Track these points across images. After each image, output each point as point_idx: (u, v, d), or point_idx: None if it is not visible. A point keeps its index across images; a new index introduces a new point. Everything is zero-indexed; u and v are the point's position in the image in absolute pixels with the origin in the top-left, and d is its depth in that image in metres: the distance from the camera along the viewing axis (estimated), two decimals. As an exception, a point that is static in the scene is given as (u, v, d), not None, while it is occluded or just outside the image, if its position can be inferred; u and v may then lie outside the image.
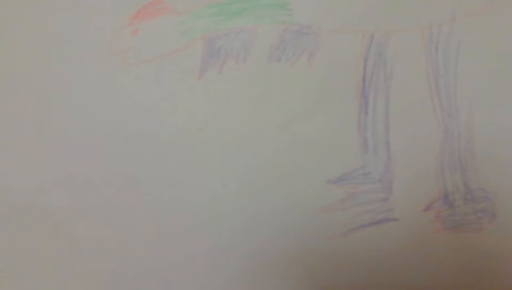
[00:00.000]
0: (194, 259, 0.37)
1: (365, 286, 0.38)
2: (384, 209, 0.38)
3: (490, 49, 0.37)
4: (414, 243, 0.38)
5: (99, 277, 0.36)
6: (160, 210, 0.36)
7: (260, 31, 0.35)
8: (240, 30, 0.35)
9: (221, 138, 0.36)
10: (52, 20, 0.34)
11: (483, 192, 0.38)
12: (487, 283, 0.39)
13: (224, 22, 0.35)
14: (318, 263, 0.37)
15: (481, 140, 0.38)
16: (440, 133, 0.37)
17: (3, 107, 0.34)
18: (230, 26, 0.35)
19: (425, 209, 0.38)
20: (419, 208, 0.38)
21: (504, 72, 0.38)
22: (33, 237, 0.35)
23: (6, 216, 0.35)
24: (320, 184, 0.37)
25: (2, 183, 0.34)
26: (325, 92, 0.36)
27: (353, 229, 0.38)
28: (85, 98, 0.35)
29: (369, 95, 0.37)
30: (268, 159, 0.36)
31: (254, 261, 0.37)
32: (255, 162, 0.36)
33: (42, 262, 0.35)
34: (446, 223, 0.38)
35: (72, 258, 0.36)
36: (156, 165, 0.36)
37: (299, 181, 0.37)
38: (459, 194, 0.38)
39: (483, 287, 0.39)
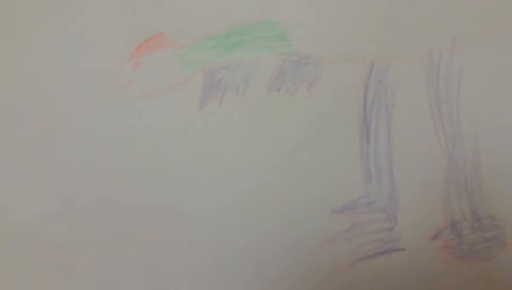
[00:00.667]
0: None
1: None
2: (390, 239, 0.37)
3: (492, 73, 0.37)
4: (422, 273, 0.37)
5: None
6: (162, 243, 0.36)
7: (259, 62, 0.35)
8: (240, 62, 0.35)
9: (222, 170, 0.35)
10: (52, 54, 0.34)
11: (492, 220, 0.37)
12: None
13: (223, 54, 0.35)
14: None
15: (487, 166, 0.37)
16: (445, 160, 0.37)
17: (4, 140, 0.34)
18: (229, 58, 0.35)
19: (432, 238, 0.37)
20: (426, 237, 0.37)
21: (508, 96, 0.37)
22: (32, 271, 0.35)
23: (5, 249, 0.34)
24: (325, 214, 0.36)
25: (1, 216, 0.34)
26: (326, 121, 0.36)
27: (359, 259, 0.37)
28: (86, 132, 0.34)
29: (371, 123, 0.36)
30: (271, 190, 0.36)
31: None
32: (258, 193, 0.36)
33: None
34: (454, 253, 0.38)
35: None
36: (157, 197, 0.35)
37: (303, 211, 0.36)
38: (466, 223, 0.37)
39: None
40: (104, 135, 0.35)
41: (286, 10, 0.35)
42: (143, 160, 0.35)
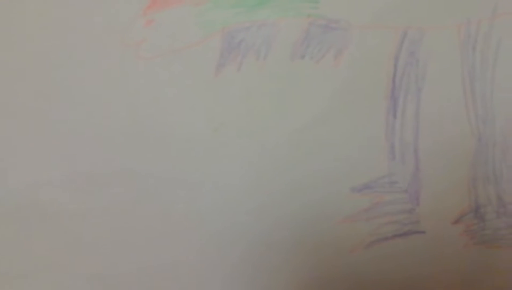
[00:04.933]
0: (205, 261, 0.35)
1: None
2: (410, 221, 0.35)
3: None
4: (442, 258, 0.36)
5: (98, 277, 0.34)
6: (171, 212, 0.34)
7: (283, 25, 0.32)
8: (263, 24, 0.31)
9: (237, 140, 0.33)
10: (61, 8, 0.31)
11: None
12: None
13: (245, 14, 0.31)
14: (339, 276, 0.35)
15: None
16: (474, 141, 0.34)
17: (7, 100, 0.31)
18: (251, 19, 0.31)
19: (454, 222, 0.35)
20: (447, 221, 0.35)
21: None
22: (32, 236, 0.33)
23: (6, 213, 0.32)
24: (344, 191, 0.34)
25: (3, 182, 0.32)
26: (352, 92, 0.33)
27: (376, 240, 0.35)
28: (93, 92, 0.32)
29: (399, 97, 0.33)
30: (288, 164, 0.33)
31: (270, 271, 0.35)
32: (274, 167, 0.33)
33: (41, 261, 0.33)
34: (476, 238, 0.36)
35: (72, 258, 0.34)
36: (165, 165, 0.33)
37: (321, 187, 0.34)
38: (491, 207, 0.35)
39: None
40: (112, 97, 0.32)
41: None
42: (154, 125, 0.32)
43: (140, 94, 0.32)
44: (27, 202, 0.32)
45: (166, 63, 0.32)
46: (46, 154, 0.32)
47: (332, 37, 0.32)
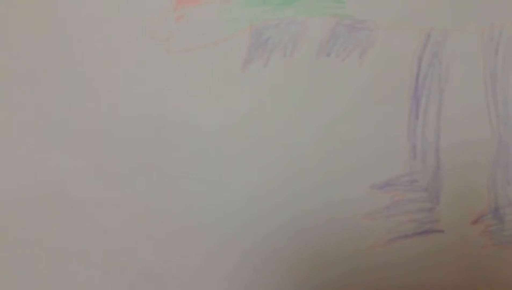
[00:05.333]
0: (227, 257, 0.35)
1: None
2: (430, 220, 0.35)
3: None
4: (460, 258, 0.35)
5: (120, 268, 0.35)
6: (190, 205, 0.34)
7: (310, 24, 0.32)
8: (290, 22, 0.32)
9: (262, 134, 0.33)
10: (97, 2, 0.31)
11: None
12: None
13: (273, 12, 0.32)
14: (359, 272, 0.35)
15: None
16: (495, 143, 0.34)
17: (35, 94, 0.32)
18: (279, 17, 0.32)
19: (473, 222, 0.35)
20: (467, 221, 0.35)
21: None
22: (56, 223, 0.33)
23: (33, 201, 0.33)
24: (365, 189, 0.34)
25: (31, 170, 0.33)
26: (375, 91, 0.33)
27: (396, 238, 0.35)
28: (122, 84, 0.32)
29: (421, 98, 0.34)
30: (311, 160, 0.34)
31: (293, 265, 0.35)
32: (297, 162, 0.33)
33: (65, 251, 0.34)
34: (495, 239, 0.36)
35: (96, 249, 0.34)
36: (192, 158, 0.33)
37: (342, 184, 0.34)
38: (510, 209, 0.35)
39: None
40: (140, 90, 0.32)
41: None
42: (179, 118, 0.33)
43: (168, 87, 0.32)
44: (55, 190, 0.33)
45: (195, 57, 0.32)
46: (75, 145, 0.33)
47: (357, 37, 0.33)
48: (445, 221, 0.35)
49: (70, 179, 0.33)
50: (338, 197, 0.34)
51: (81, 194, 0.33)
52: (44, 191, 0.33)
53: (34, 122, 0.32)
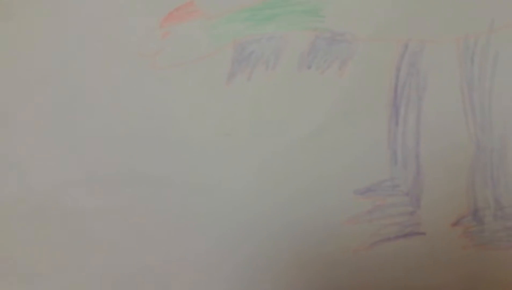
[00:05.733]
0: (215, 264, 0.36)
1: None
2: (411, 223, 0.36)
3: (529, 62, 0.35)
4: (441, 258, 0.36)
5: (114, 276, 0.35)
6: (181, 213, 0.35)
7: (291, 38, 0.33)
8: (271, 36, 0.33)
9: (248, 145, 0.34)
10: (83, 17, 0.33)
11: None
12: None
13: (255, 28, 0.33)
14: (343, 274, 0.36)
15: None
16: (473, 148, 0.35)
17: (27, 106, 0.33)
18: (261, 32, 0.33)
19: (454, 224, 0.36)
20: (447, 223, 0.36)
21: None
22: (51, 235, 0.34)
23: (27, 214, 0.34)
24: (348, 194, 0.35)
25: (24, 182, 0.34)
26: (356, 101, 0.34)
27: (379, 241, 0.35)
28: (110, 98, 0.33)
29: (400, 106, 0.35)
30: (295, 167, 0.35)
31: (278, 269, 0.36)
32: (282, 170, 0.34)
33: (58, 260, 0.35)
34: (474, 240, 0.36)
35: (89, 257, 0.35)
36: (179, 168, 0.34)
37: (326, 190, 0.35)
38: (489, 211, 0.36)
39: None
40: (128, 103, 0.33)
41: (323, -16, 0.33)
42: (167, 130, 0.34)
43: (156, 102, 0.34)
44: (48, 201, 0.34)
45: (181, 72, 0.33)
46: (67, 157, 0.34)
47: (337, 49, 0.34)
48: (426, 224, 0.36)
49: (64, 190, 0.34)
50: (323, 202, 0.35)
51: (73, 204, 0.34)
52: (37, 203, 0.34)
53: (27, 135, 0.33)
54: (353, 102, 0.34)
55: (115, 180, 0.34)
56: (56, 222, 0.34)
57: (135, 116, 0.34)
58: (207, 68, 0.33)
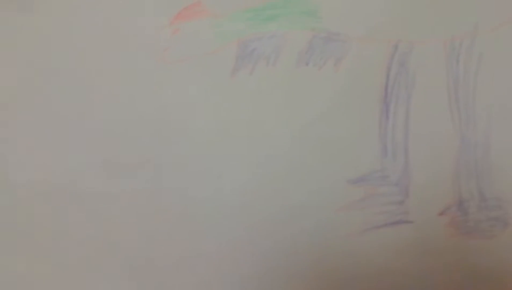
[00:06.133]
0: (210, 253, 0.38)
1: (379, 284, 0.38)
2: (400, 212, 0.38)
3: (510, 62, 0.37)
4: (428, 246, 0.38)
5: (129, 261, 0.37)
6: (187, 201, 0.37)
7: (290, 37, 0.36)
8: (273, 35, 0.36)
9: (249, 134, 0.36)
10: (99, 16, 0.35)
11: (497, 201, 0.38)
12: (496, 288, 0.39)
13: (258, 26, 0.35)
14: (335, 259, 0.37)
15: (498, 150, 0.37)
16: (458, 141, 0.37)
17: (47, 98, 0.35)
18: (263, 30, 0.36)
19: (440, 213, 0.38)
20: (434, 212, 0.38)
21: None
22: (68, 217, 0.36)
23: (45, 198, 0.36)
24: (341, 183, 0.37)
25: (44, 165, 0.36)
26: (349, 96, 0.36)
27: (369, 228, 0.37)
28: (124, 90, 0.35)
29: (391, 102, 0.37)
30: (292, 157, 0.37)
31: (274, 254, 0.37)
32: (280, 159, 0.37)
33: (75, 243, 0.36)
34: (460, 229, 0.38)
35: (105, 241, 0.36)
36: (185, 156, 0.36)
37: (321, 179, 0.37)
38: (473, 202, 0.38)
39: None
40: (140, 96, 0.36)
41: (320, -13, 0.36)
42: (176, 120, 0.36)
43: (165, 94, 0.36)
44: (65, 186, 0.36)
45: (189, 67, 0.35)
46: (83, 145, 0.36)
47: (332, 48, 0.36)
48: (414, 213, 0.38)
49: (80, 176, 0.36)
50: (318, 190, 0.37)
51: (88, 188, 0.36)
52: (55, 186, 0.36)
53: (48, 125, 0.36)
54: (347, 98, 0.37)
55: (127, 167, 0.36)
56: (71, 202, 0.36)
57: (146, 107, 0.36)
58: (213, 63, 0.36)
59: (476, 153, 0.38)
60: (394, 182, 0.38)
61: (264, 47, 0.36)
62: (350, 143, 0.37)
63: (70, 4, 0.35)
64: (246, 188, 0.37)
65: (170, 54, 0.36)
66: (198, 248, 0.37)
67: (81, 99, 0.36)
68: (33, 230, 0.36)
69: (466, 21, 0.37)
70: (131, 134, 0.36)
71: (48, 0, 0.35)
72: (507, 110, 0.38)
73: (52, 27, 0.35)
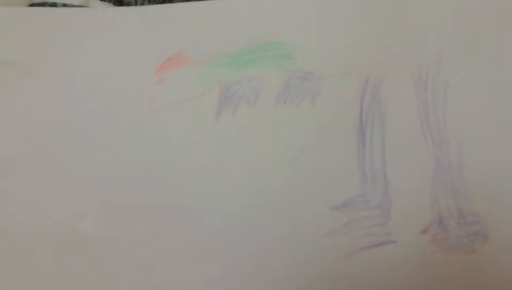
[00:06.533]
0: (203, 286, 0.38)
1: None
2: (383, 233, 0.39)
3: (475, 85, 0.39)
4: (412, 264, 0.39)
5: None
6: (183, 243, 0.38)
7: (268, 78, 0.38)
8: (251, 78, 0.38)
9: (236, 171, 0.38)
10: (90, 69, 0.37)
11: (475, 216, 0.39)
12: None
13: (236, 71, 0.38)
14: (324, 284, 0.39)
15: (471, 168, 0.39)
16: (433, 163, 0.39)
17: (46, 148, 0.37)
18: (242, 75, 0.38)
19: (422, 232, 0.39)
20: (416, 231, 0.39)
21: (489, 106, 0.39)
22: (69, 264, 0.37)
23: (46, 243, 0.37)
24: (325, 210, 0.39)
25: (45, 213, 0.37)
26: (327, 128, 0.38)
27: (355, 251, 0.39)
28: (118, 139, 0.38)
29: (366, 131, 0.39)
30: (279, 190, 0.38)
31: (262, 283, 0.39)
32: (267, 192, 0.38)
33: (75, 287, 0.37)
34: (441, 246, 0.39)
35: (106, 285, 0.37)
36: (178, 198, 0.38)
37: (307, 208, 0.39)
38: (452, 219, 0.39)
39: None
40: (132, 141, 0.38)
41: (292, 33, 0.38)
42: (167, 163, 0.38)
43: (154, 139, 0.38)
44: (66, 231, 0.37)
45: (175, 112, 0.38)
46: (82, 192, 0.38)
47: (308, 86, 0.38)
48: (397, 233, 0.39)
49: (80, 220, 0.37)
50: (303, 218, 0.39)
51: (88, 233, 0.37)
52: (55, 231, 0.37)
53: (48, 173, 0.38)
54: (325, 130, 0.39)
55: (126, 210, 0.37)
56: (71, 247, 0.37)
57: (139, 153, 0.38)
58: (197, 107, 0.38)
59: (451, 172, 0.39)
60: (376, 206, 0.39)
61: (244, 89, 0.38)
62: (331, 171, 0.39)
63: (66, 67, 0.38)
64: (234, 220, 0.38)
65: (157, 102, 0.38)
66: (197, 287, 0.38)
67: (78, 149, 0.38)
68: (34, 274, 0.37)
69: (430, 51, 0.39)
70: (127, 179, 0.38)
71: (45, 64, 0.38)
72: (476, 130, 0.40)
73: (50, 87, 0.38)
